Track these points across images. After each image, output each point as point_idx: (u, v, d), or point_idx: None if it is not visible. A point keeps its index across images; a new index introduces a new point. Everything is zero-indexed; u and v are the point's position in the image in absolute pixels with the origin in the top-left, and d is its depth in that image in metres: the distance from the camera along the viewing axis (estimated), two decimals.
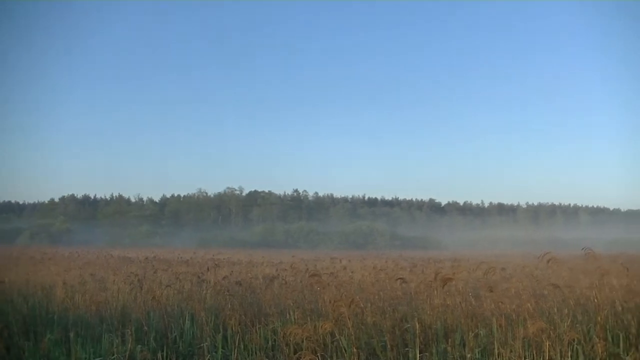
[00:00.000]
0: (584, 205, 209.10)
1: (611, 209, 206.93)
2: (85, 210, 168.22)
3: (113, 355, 8.91)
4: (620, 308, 9.75)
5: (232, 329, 9.66)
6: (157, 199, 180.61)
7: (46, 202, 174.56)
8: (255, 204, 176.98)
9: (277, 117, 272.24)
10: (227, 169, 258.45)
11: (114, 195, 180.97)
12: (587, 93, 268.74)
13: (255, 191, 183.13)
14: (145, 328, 10.33)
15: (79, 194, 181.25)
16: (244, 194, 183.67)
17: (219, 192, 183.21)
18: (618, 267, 18.43)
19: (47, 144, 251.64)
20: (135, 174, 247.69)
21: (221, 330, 9.95)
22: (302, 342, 7.76)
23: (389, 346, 8.44)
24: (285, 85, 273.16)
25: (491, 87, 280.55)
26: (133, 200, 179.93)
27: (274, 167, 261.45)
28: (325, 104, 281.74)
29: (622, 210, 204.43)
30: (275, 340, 9.27)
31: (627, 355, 7.49)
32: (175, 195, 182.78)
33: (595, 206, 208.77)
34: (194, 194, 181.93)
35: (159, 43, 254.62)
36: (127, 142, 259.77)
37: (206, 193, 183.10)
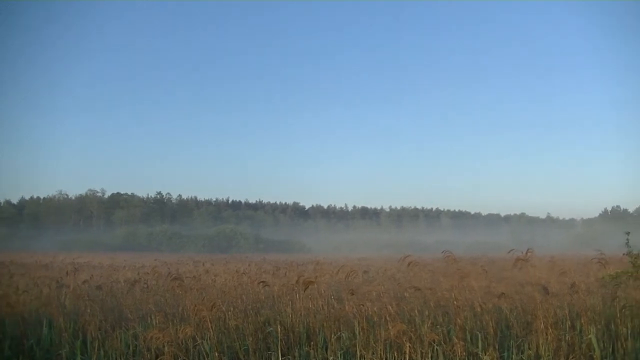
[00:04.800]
0: (445, 209, 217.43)
1: (472, 212, 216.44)
2: None
3: None
4: (479, 309, 10.01)
5: (91, 335, 9.31)
6: (15, 201, 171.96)
7: None
8: (117, 207, 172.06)
9: (140, 116, 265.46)
10: (89, 170, 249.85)
11: None
12: (449, 95, 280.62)
13: (118, 193, 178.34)
14: (0, 336, 9.80)
15: None
16: (106, 196, 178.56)
17: (81, 194, 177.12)
18: (477, 270, 19.21)
19: None
20: None
21: (80, 336, 9.56)
22: (164, 346, 7.60)
23: (251, 350, 8.41)
24: (148, 85, 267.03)
25: (358, 92, 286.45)
26: None
27: (137, 169, 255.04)
28: (187, 105, 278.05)
29: (483, 214, 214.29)
30: (136, 346, 8.99)
31: (485, 354, 7.72)
32: (35, 197, 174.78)
33: (457, 210, 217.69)
34: (54, 196, 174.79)
35: None
36: None
37: (67, 195, 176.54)
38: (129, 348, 9.09)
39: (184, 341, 8.18)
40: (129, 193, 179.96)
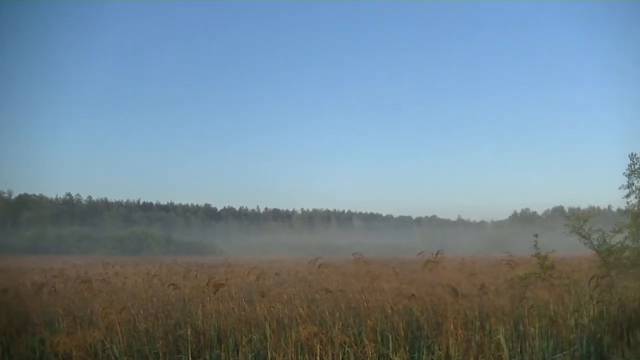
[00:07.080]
0: (357, 212, 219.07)
1: (384, 215, 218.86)
2: None
3: None
4: (389, 311, 10.02)
5: None
6: None
7: None
8: (25, 208, 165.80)
9: (47, 116, 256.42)
10: None
11: None
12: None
13: (25, 194, 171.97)
14: None
15: None
16: (12, 197, 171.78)
17: None
18: (388, 271, 19.46)
19: None
20: None
21: None
22: (72, 351, 7.39)
23: (161, 353, 8.26)
24: (50, 85, 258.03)
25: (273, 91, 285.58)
26: None
27: (46, 169, 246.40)
28: (99, 104, 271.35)
29: (395, 216, 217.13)
30: (43, 351, 8.72)
31: (396, 355, 7.77)
32: None
33: (368, 212, 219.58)
34: None
35: None
36: None
37: None
38: (35, 353, 8.82)
39: (92, 345, 7.97)
40: (37, 194, 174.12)
